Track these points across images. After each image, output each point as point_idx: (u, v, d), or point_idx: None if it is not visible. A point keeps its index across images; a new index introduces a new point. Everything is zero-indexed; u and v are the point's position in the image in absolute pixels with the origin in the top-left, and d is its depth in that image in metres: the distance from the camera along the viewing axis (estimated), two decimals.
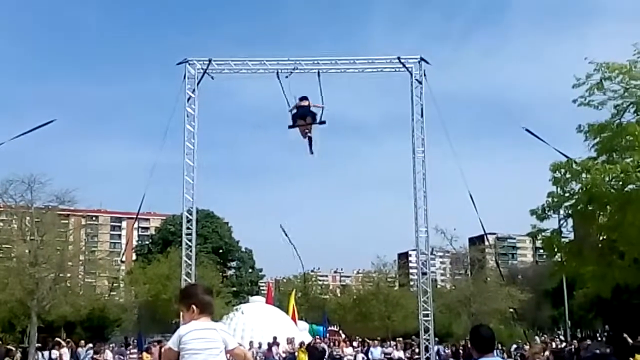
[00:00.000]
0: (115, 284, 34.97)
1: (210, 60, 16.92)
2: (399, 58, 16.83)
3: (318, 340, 18.31)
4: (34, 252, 24.10)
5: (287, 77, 15.81)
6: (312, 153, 14.94)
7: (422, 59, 16.71)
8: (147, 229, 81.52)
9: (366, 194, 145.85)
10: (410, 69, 16.72)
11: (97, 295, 33.07)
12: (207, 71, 16.84)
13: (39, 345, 23.65)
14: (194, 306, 3.09)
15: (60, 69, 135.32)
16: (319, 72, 16.21)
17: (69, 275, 27.37)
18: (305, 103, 14.44)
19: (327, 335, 28.57)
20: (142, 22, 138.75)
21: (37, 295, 23.38)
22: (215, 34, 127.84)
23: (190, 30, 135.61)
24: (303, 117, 14.38)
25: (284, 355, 20.87)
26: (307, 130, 14.46)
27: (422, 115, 16.67)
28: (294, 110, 14.58)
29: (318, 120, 14.38)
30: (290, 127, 14.67)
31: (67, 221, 36.58)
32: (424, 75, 16.59)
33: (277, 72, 16.24)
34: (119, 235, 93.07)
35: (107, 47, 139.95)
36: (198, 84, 16.91)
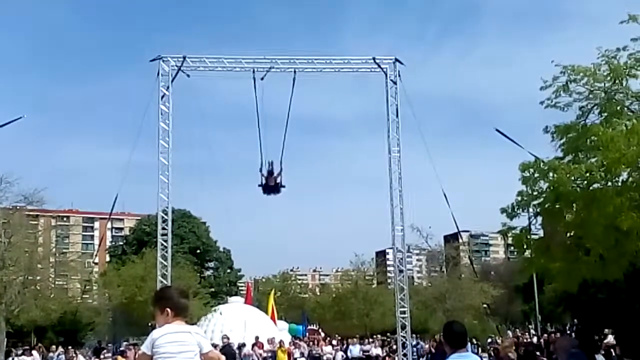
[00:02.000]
0: (87, 287, 34.28)
1: (184, 57, 16.79)
2: (374, 58, 17.06)
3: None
4: (1, 255, 23.45)
5: (262, 78, 16.01)
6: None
7: (396, 59, 16.97)
8: (121, 229, 79.93)
9: (344, 193, 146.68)
10: (385, 70, 16.96)
11: (69, 298, 32.35)
12: (182, 68, 16.71)
13: (8, 350, 23.00)
14: (168, 309, 3.05)
15: (30, 66, 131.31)
16: (295, 71, 16.34)
17: (38, 278, 26.70)
18: (271, 181, 16.18)
19: (307, 334, 28.67)
20: (115, 18, 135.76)
21: (5, 300, 22.76)
22: (190, 31, 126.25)
23: (164, 27, 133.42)
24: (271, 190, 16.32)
25: (264, 355, 20.85)
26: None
27: (397, 115, 16.95)
28: (264, 180, 16.15)
29: (280, 186, 16.32)
30: (260, 185, 16.26)
31: (36, 222, 35.62)
32: (399, 75, 16.87)
33: (253, 70, 16.28)
34: (92, 236, 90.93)
35: (79, 43, 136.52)
36: (172, 81, 16.75)
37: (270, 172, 16.24)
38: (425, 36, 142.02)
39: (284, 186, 16.29)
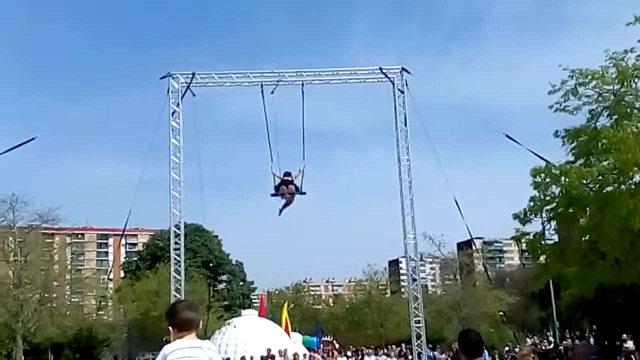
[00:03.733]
0: (103, 303, 34.50)
1: (193, 74, 17.06)
2: (380, 69, 17.16)
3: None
4: (18, 273, 23.79)
5: (272, 92, 16.17)
6: (280, 214, 15.23)
7: (403, 69, 17.05)
8: (134, 245, 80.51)
9: (355, 203, 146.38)
10: (392, 79, 17.04)
11: (85, 315, 32.57)
12: (191, 85, 16.98)
13: None
14: (170, 327, 3.07)
15: (42, 86, 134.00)
16: (302, 84, 16.50)
17: (54, 295, 26.96)
18: (289, 178, 14.96)
19: (321, 345, 28.51)
20: (123, 37, 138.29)
21: (22, 318, 23.01)
22: (198, 48, 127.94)
23: (173, 44, 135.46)
24: (286, 185, 14.93)
25: None
26: (289, 195, 14.90)
27: (405, 124, 16.98)
28: (278, 181, 14.98)
29: (300, 191, 14.95)
30: (272, 195, 15.04)
31: (51, 240, 36.03)
32: (406, 85, 16.93)
33: (262, 84, 16.48)
34: (106, 253, 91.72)
35: (89, 63, 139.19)
36: (182, 97, 17.02)
37: (287, 174, 14.97)
38: (431, 44, 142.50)
39: (304, 192, 14.84)
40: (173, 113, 16.88)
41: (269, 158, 15.57)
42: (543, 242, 12.43)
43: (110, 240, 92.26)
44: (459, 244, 44.59)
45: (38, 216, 25.09)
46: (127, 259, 60.05)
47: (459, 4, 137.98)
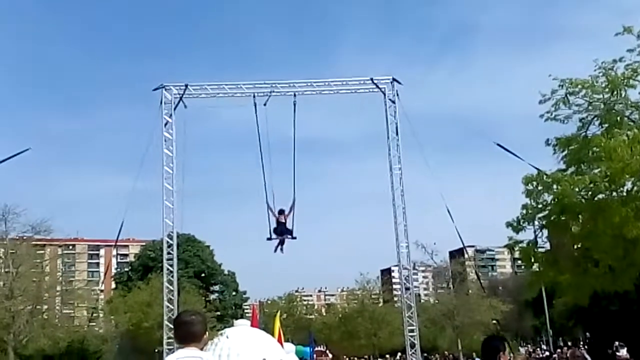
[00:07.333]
0: (94, 314, 34.12)
1: (186, 85, 17.06)
2: (372, 79, 17.23)
3: None
4: (10, 285, 23.50)
5: (265, 104, 16.21)
6: (275, 251, 16.07)
7: (394, 79, 17.13)
8: (126, 255, 79.65)
9: (347, 212, 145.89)
10: (383, 90, 17.11)
11: (76, 327, 32.17)
12: (184, 96, 16.97)
13: None
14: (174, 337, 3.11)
15: (33, 98, 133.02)
16: (295, 95, 16.54)
17: (46, 307, 26.72)
18: (282, 219, 15.77)
19: (314, 355, 28.27)
20: (115, 49, 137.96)
21: (14, 329, 22.71)
22: (191, 59, 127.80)
23: (165, 56, 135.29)
24: (281, 233, 15.77)
25: None
26: (281, 244, 15.99)
27: (397, 134, 17.02)
28: (274, 225, 15.78)
29: (292, 236, 15.80)
30: (268, 239, 15.89)
31: (42, 251, 35.65)
32: (397, 95, 16.99)
33: (254, 95, 16.50)
34: (97, 264, 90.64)
35: (80, 75, 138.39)
36: (175, 108, 16.99)
37: (281, 211, 15.69)
38: (422, 54, 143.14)
39: (295, 237, 15.72)
40: (166, 124, 16.84)
41: (261, 172, 15.73)
42: (536, 250, 12.48)
43: (102, 251, 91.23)
44: (451, 253, 44.64)
45: (30, 227, 24.96)
46: (119, 270, 59.38)
47: (449, 14, 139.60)
